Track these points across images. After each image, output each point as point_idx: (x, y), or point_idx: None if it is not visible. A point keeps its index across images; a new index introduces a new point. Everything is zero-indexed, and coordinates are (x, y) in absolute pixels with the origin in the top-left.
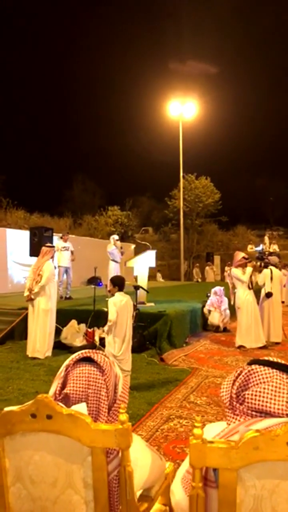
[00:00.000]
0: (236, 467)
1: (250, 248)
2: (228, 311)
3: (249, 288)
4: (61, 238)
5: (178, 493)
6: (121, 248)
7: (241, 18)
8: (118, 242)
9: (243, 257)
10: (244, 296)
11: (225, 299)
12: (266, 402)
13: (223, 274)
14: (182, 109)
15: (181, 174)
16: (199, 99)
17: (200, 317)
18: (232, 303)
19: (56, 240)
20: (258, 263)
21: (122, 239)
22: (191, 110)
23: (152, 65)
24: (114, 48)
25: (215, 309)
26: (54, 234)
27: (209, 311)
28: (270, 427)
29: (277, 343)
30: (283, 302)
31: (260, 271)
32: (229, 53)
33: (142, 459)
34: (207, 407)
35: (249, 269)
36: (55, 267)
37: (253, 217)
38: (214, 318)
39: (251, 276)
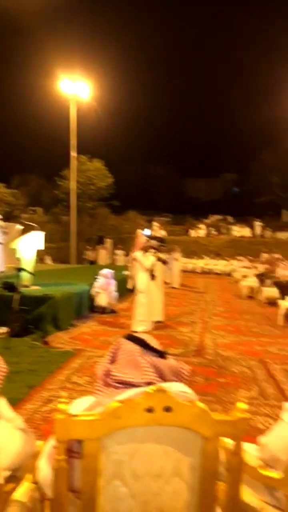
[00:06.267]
0: (99, 436)
1: (139, 233)
2: (115, 293)
3: (151, 275)
4: None
5: (44, 469)
6: (6, 228)
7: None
8: (1, 222)
9: (146, 240)
10: (145, 280)
11: (113, 281)
12: (128, 374)
13: (114, 257)
14: (75, 88)
15: (72, 154)
16: (94, 81)
17: (87, 299)
18: (131, 286)
19: None
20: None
21: (8, 219)
22: (85, 90)
23: (43, 39)
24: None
25: (103, 291)
26: None
27: (97, 293)
28: (132, 397)
29: (159, 322)
30: (167, 283)
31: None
32: (126, 37)
33: (6, 442)
34: (89, 386)
35: (152, 258)
36: None
37: (144, 203)
38: (102, 300)
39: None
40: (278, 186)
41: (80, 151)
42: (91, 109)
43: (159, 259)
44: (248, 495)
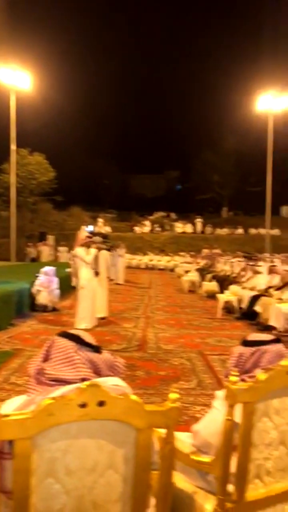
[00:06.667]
0: (31, 435)
1: (82, 229)
2: (57, 291)
3: (92, 269)
4: None
5: None
6: None
7: None
8: None
9: (87, 236)
10: (87, 275)
11: (55, 279)
12: (62, 371)
13: (57, 254)
14: (15, 79)
15: (12, 147)
16: (35, 71)
17: (27, 297)
18: (74, 284)
19: None
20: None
21: None
22: (25, 81)
23: None
24: None
25: (45, 289)
26: None
27: (38, 291)
28: (65, 393)
29: (102, 318)
30: (112, 280)
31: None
32: (70, 29)
33: None
34: None
35: (93, 251)
36: None
37: (89, 199)
38: (43, 298)
39: (97, 258)
40: (218, 184)
41: (20, 144)
42: (32, 101)
43: (100, 248)
44: (181, 481)
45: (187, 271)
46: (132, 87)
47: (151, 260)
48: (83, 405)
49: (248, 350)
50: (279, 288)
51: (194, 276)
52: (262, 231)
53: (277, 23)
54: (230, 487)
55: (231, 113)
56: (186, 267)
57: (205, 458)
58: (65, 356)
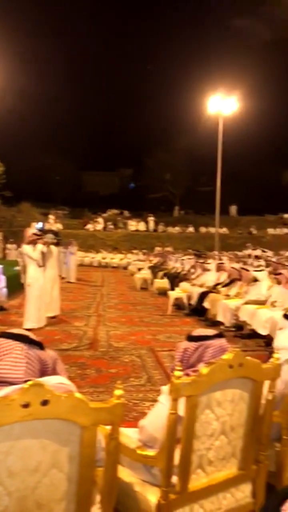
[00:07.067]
0: None
1: (32, 225)
2: (5, 289)
3: (40, 266)
4: None
5: None
6: None
7: None
8: None
9: (34, 233)
10: (35, 273)
11: (2, 277)
12: (6, 372)
13: (5, 251)
14: None
15: None
16: None
17: None
18: (23, 281)
19: None
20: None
21: None
22: None
23: None
24: None
25: None
26: None
27: None
28: (8, 394)
29: (53, 317)
30: (63, 278)
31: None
32: (23, 19)
33: None
34: None
35: (40, 246)
36: None
37: (39, 195)
38: None
39: (44, 254)
40: (170, 183)
41: None
42: None
43: (48, 243)
44: (127, 476)
45: (140, 269)
46: (87, 84)
47: (104, 258)
48: (26, 405)
49: (192, 345)
50: (226, 285)
51: (146, 273)
52: (211, 229)
53: (225, 25)
54: (174, 479)
55: (183, 113)
56: (139, 264)
57: (150, 452)
58: (10, 357)
